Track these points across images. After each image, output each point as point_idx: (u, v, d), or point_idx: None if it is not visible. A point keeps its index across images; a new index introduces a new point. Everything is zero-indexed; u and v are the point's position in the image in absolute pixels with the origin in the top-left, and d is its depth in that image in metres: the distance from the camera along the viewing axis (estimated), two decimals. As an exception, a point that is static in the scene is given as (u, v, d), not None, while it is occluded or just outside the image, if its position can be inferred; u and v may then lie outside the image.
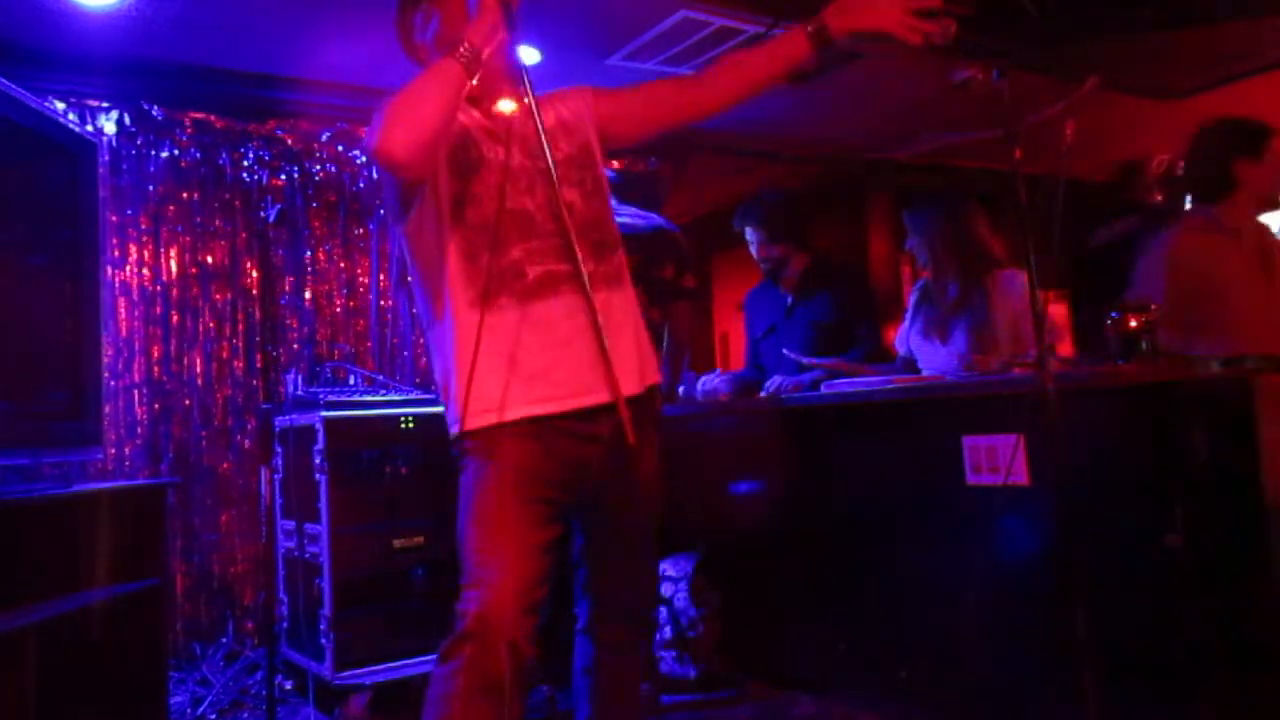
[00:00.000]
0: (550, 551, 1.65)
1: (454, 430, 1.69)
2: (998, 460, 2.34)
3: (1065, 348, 3.94)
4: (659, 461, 1.83)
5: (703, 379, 3.48)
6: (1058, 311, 4.41)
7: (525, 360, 1.65)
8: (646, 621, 1.95)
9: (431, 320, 1.75)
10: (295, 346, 4.05)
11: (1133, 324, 2.19)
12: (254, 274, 3.97)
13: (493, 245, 1.66)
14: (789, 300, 3.60)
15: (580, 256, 1.59)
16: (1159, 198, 3.93)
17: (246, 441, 3.90)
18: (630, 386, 1.69)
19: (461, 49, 1.58)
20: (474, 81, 1.60)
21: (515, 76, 1.66)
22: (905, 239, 3.29)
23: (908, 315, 3.25)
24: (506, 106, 1.75)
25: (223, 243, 3.95)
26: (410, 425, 3.20)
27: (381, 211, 4.20)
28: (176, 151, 3.86)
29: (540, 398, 1.65)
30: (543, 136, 1.58)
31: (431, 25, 1.78)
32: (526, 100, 1.62)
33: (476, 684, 1.51)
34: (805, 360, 3.21)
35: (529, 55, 3.75)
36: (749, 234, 3.58)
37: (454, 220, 1.68)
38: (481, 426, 1.65)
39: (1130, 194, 3.93)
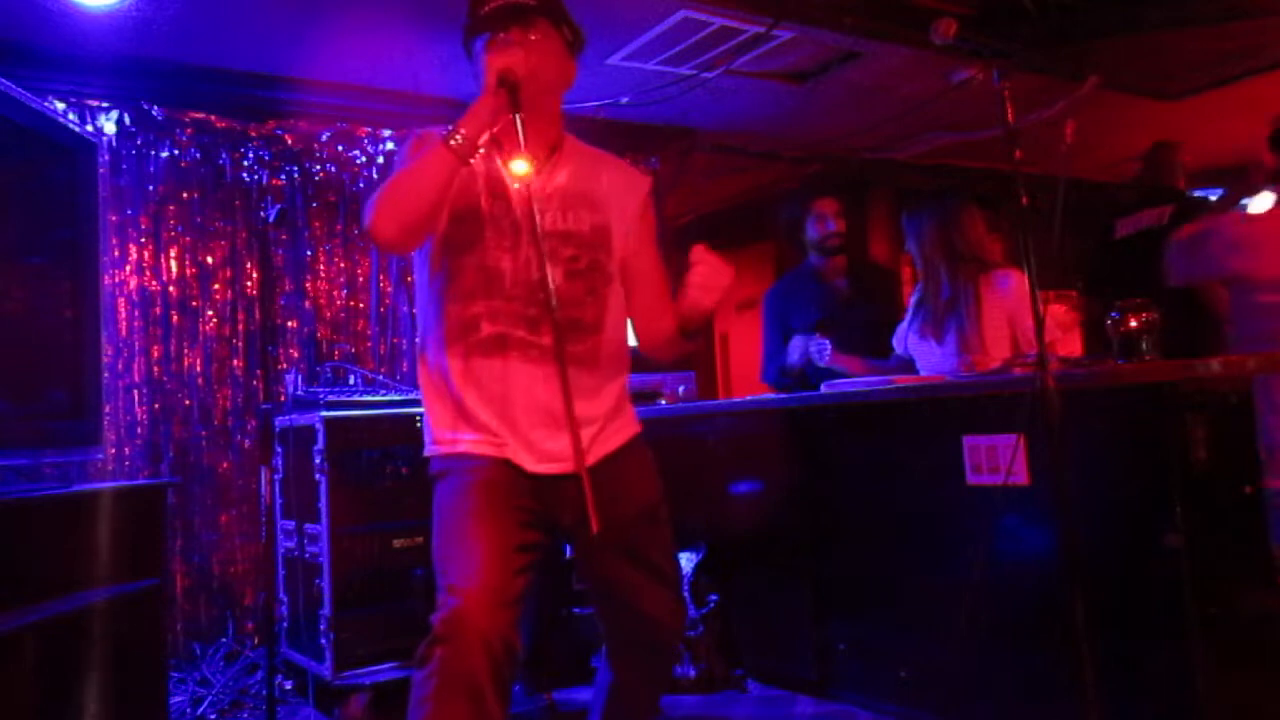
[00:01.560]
0: (527, 551, 1.62)
1: (426, 450, 1.76)
2: (998, 460, 2.33)
3: (1071, 347, 3.92)
4: (652, 491, 1.82)
5: (816, 345, 3.31)
6: (1059, 311, 4.38)
7: (472, 412, 1.70)
8: (664, 654, 1.89)
9: (420, 340, 1.83)
10: (295, 347, 4.05)
11: (1133, 324, 2.19)
12: (254, 274, 3.97)
13: (461, 296, 1.71)
14: (842, 293, 3.61)
15: (544, 328, 1.64)
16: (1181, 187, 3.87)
17: (246, 441, 3.90)
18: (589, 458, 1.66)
19: (457, 137, 1.58)
20: (472, 162, 1.63)
21: (532, 147, 1.65)
22: (905, 240, 3.31)
23: (907, 315, 3.26)
24: (521, 167, 1.70)
25: (223, 243, 3.95)
26: (410, 425, 3.20)
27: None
28: (176, 151, 3.86)
29: (495, 448, 1.68)
30: (534, 206, 1.61)
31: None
32: (525, 172, 1.64)
33: (452, 685, 1.50)
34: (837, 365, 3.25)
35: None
36: (818, 208, 3.60)
37: (444, 261, 1.73)
38: (447, 453, 1.71)
39: (1158, 178, 3.82)
